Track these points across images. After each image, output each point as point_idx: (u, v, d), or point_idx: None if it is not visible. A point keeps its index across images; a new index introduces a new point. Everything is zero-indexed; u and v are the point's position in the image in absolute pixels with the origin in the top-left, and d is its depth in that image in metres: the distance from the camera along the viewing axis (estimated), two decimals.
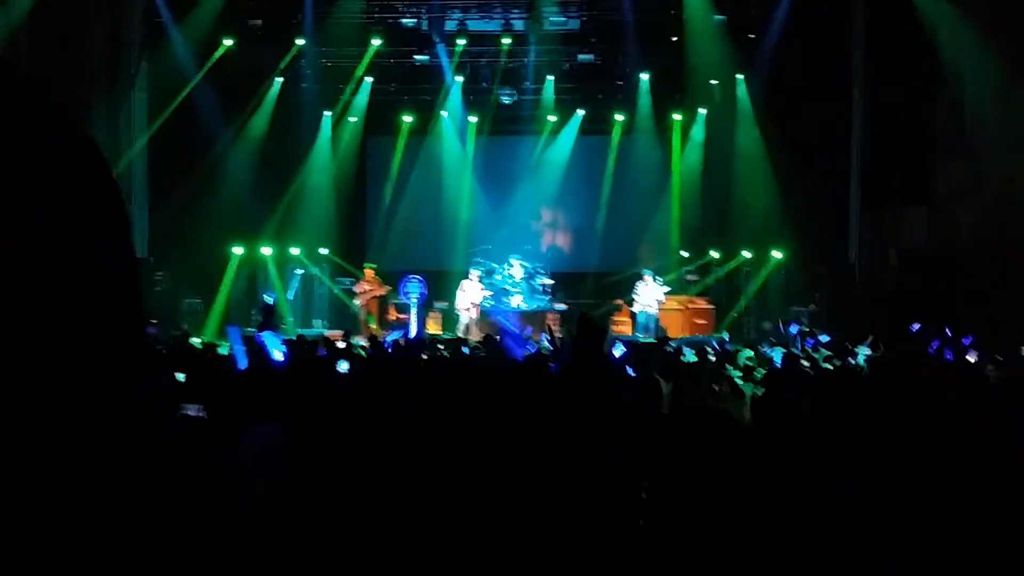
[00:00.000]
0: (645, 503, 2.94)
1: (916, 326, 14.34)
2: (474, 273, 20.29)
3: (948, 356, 11.07)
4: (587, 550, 3.67)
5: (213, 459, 5.29)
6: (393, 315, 20.55)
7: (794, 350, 12.35)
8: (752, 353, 13.39)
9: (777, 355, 12.12)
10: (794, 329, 13.99)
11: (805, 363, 10.79)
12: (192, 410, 5.65)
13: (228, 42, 20.24)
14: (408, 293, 20.45)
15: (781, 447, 5.16)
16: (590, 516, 3.79)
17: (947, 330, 13.28)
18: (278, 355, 6.10)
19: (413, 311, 20.02)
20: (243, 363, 6.98)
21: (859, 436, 5.37)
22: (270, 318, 12.43)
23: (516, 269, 21.04)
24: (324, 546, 4.61)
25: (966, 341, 12.95)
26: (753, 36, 20.29)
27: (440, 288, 21.77)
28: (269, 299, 18.74)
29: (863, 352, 12.54)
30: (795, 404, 6.12)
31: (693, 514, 2.67)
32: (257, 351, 6.44)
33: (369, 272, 20.51)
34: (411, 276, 20.62)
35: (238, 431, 5.31)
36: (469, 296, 19.83)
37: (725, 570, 2.67)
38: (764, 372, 8.70)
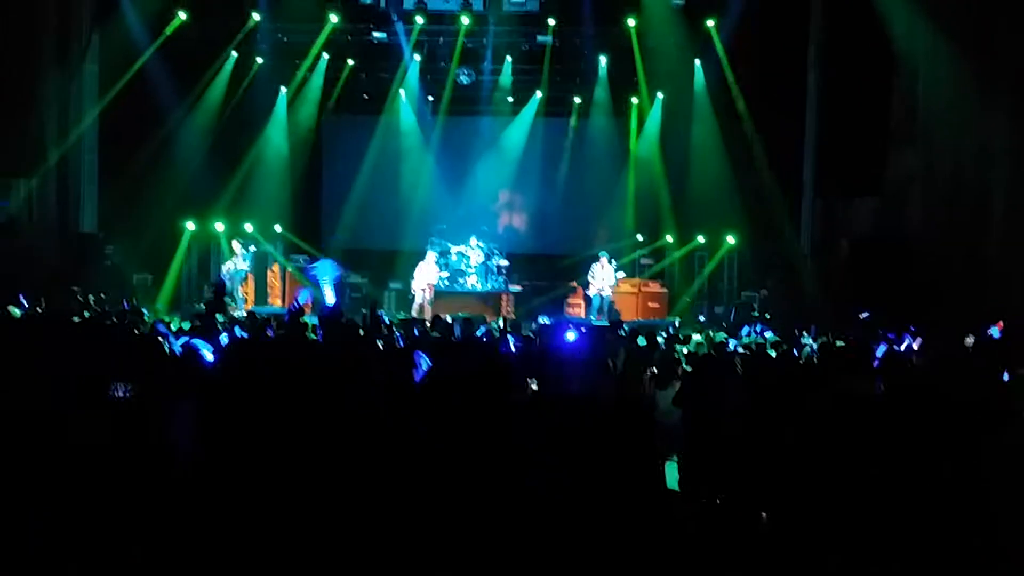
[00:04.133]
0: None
1: (865, 314, 14.48)
2: (431, 254, 20.20)
3: (895, 346, 11.17)
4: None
5: (142, 435, 5.28)
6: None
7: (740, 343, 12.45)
8: (702, 339, 13.50)
9: (728, 340, 12.24)
10: (745, 330, 14.17)
11: (741, 349, 10.91)
12: (122, 389, 5.62)
13: (182, 15, 19.95)
14: (315, 274, 19.94)
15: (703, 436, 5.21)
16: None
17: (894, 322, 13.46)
18: (208, 356, 6.08)
19: (328, 287, 19.57)
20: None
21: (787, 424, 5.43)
22: (221, 296, 12.29)
23: (474, 252, 20.99)
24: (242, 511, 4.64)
25: (910, 330, 13.11)
26: (711, 22, 20.29)
27: (396, 267, 21.69)
28: (225, 278, 18.62)
29: (809, 341, 12.66)
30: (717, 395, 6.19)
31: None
32: (191, 351, 6.42)
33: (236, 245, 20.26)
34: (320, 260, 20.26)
35: (167, 410, 5.31)
36: (425, 276, 19.75)
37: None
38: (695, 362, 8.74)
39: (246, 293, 20.43)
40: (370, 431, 5.22)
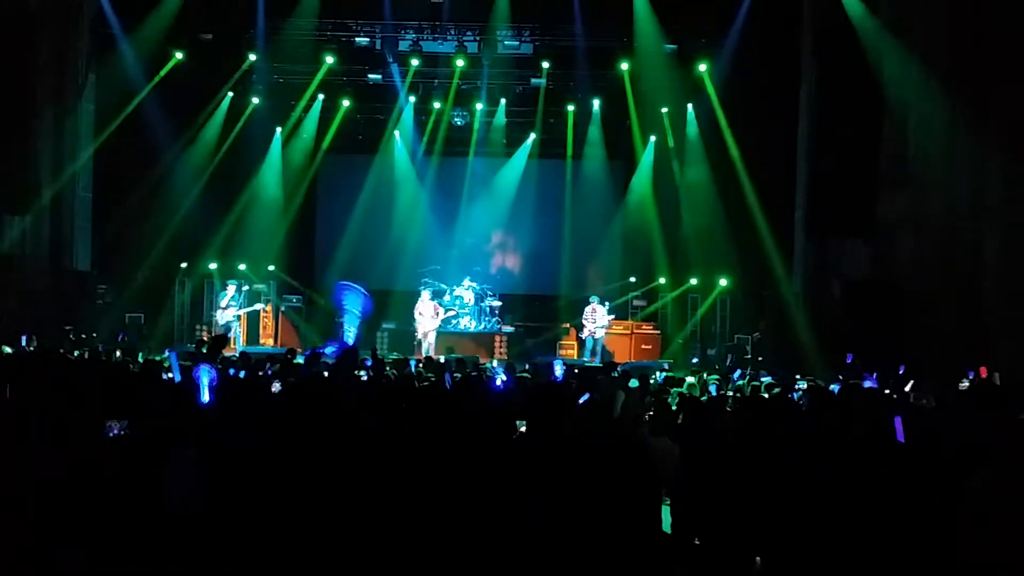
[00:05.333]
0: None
1: (850, 357, 14.50)
2: (425, 294, 20.24)
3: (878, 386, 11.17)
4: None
5: (136, 474, 5.26)
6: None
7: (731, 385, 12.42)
8: (695, 380, 13.48)
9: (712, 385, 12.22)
10: (738, 373, 14.21)
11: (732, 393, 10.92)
12: (116, 428, 5.61)
13: (178, 55, 20.08)
14: (344, 303, 20.07)
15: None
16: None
17: (881, 364, 13.49)
18: (206, 395, 6.05)
19: (353, 322, 19.65)
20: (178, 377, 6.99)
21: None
22: (219, 347, 12.10)
23: (466, 292, 21.04)
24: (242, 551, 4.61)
25: (900, 371, 13.12)
26: (703, 67, 20.47)
27: (389, 307, 21.68)
28: (224, 331, 18.58)
29: (802, 384, 12.64)
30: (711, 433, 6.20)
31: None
32: (191, 387, 6.36)
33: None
34: (351, 286, 20.30)
35: (161, 452, 5.28)
36: (427, 315, 19.81)
37: None
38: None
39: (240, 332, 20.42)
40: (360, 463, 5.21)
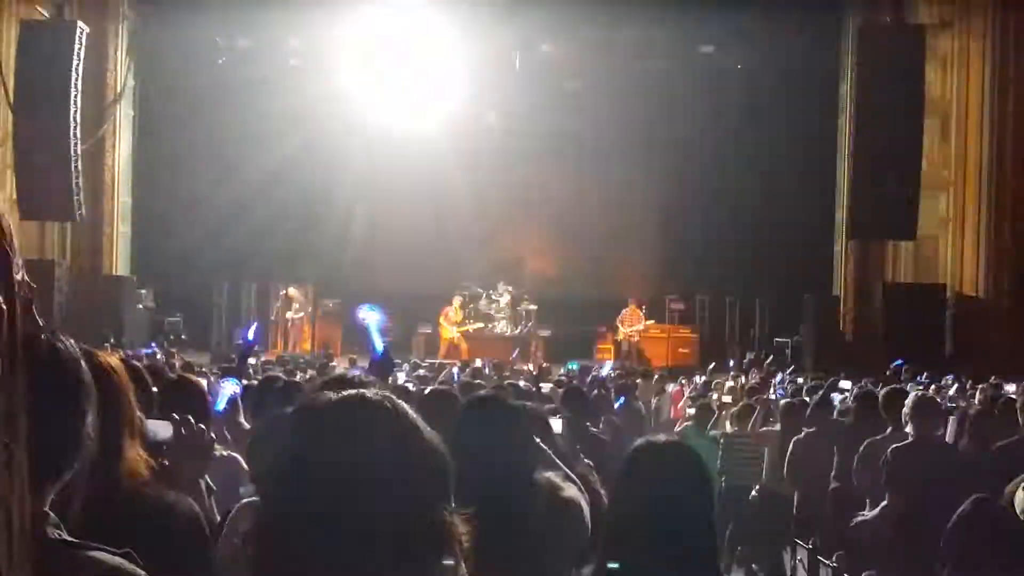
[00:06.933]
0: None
1: (899, 361, 14.34)
2: (456, 298, 20.30)
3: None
4: None
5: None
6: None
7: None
8: (733, 384, 13.36)
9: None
10: (779, 377, 14.09)
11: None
12: (162, 431, 5.56)
13: (220, 59, 20.15)
14: (364, 319, 20.04)
15: None
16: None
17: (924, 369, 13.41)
18: (221, 404, 5.99)
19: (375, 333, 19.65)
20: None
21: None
22: (246, 357, 11.75)
23: (502, 295, 21.00)
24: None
25: (949, 377, 12.99)
26: (740, 65, 20.27)
27: (424, 311, 21.59)
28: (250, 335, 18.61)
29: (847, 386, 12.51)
30: None
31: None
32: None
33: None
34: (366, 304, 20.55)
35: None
36: (452, 320, 19.85)
37: None
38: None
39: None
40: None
